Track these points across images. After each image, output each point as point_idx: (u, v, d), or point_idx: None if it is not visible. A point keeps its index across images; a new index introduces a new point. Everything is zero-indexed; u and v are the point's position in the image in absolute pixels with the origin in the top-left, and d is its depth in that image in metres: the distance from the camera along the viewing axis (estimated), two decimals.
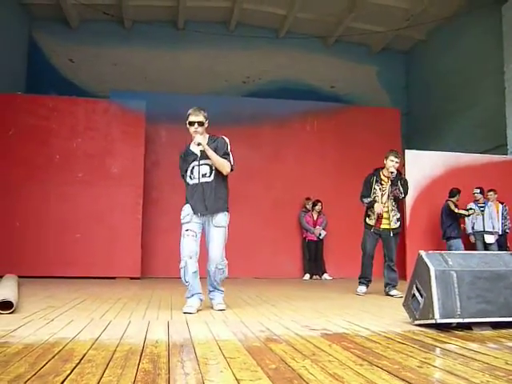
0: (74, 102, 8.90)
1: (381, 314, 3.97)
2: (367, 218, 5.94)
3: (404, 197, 5.97)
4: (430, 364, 2.18)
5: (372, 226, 5.86)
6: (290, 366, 2.08)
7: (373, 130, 9.98)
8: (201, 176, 4.07)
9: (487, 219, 8.08)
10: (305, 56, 12.35)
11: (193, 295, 3.99)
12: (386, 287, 5.84)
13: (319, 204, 9.28)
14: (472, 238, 8.13)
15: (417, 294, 3.26)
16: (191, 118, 4.11)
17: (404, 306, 3.49)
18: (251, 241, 9.24)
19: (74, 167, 8.50)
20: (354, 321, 3.51)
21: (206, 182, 4.06)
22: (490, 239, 8.05)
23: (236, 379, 1.85)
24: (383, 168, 5.94)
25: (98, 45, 11.50)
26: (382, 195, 5.85)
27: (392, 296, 5.63)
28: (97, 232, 8.36)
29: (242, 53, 12.10)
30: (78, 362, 2.12)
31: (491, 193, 8.29)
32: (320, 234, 9.23)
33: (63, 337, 2.70)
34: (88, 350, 2.35)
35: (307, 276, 9.23)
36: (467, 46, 10.76)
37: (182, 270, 3.98)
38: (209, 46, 11.84)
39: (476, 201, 8.22)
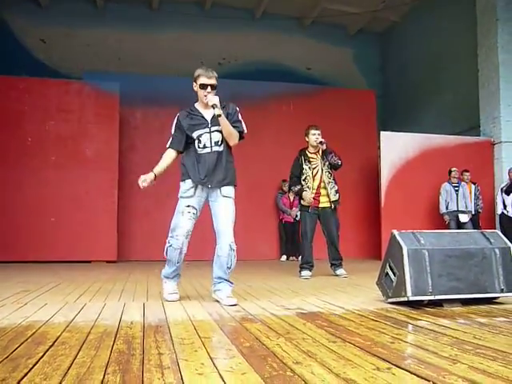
0: (46, 84, 8.72)
1: (355, 293, 4.02)
2: (302, 200, 5.75)
3: (341, 164, 5.69)
4: (401, 340, 2.23)
5: (308, 207, 5.66)
6: (264, 344, 2.10)
7: (348, 112, 10.02)
8: (213, 144, 3.53)
9: (461, 199, 8.23)
10: (281, 37, 12.29)
11: (175, 276, 3.61)
12: (331, 267, 5.80)
13: None
14: (446, 218, 8.26)
15: (390, 273, 3.31)
16: (203, 80, 3.52)
17: (377, 284, 3.55)
18: None
19: (46, 150, 8.36)
20: (328, 300, 3.56)
21: (219, 152, 3.54)
22: (463, 218, 8.21)
23: (210, 357, 1.87)
24: (307, 147, 5.80)
25: (71, 25, 11.22)
26: (315, 173, 5.66)
27: (338, 276, 5.60)
28: (71, 216, 8.26)
29: (218, 34, 11.96)
30: (51, 344, 2.11)
31: (467, 174, 8.46)
32: (296, 216, 9.26)
33: (36, 320, 2.68)
34: (62, 333, 2.34)
35: (284, 257, 9.30)
36: (442, 29, 10.84)
37: (173, 250, 3.51)
38: (184, 27, 11.68)
39: (450, 180, 8.35)
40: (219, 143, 3.54)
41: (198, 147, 3.54)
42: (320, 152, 5.73)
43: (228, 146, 3.60)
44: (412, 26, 11.92)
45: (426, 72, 11.35)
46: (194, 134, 3.55)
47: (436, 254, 3.19)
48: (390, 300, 3.30)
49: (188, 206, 3.50)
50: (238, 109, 3.66)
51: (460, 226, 8.15)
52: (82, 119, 8.60)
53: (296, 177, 5.75)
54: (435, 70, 11.04)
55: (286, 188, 9.48)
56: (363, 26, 12.65)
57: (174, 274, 3.61)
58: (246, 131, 3.64)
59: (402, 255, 3.14)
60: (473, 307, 3.15)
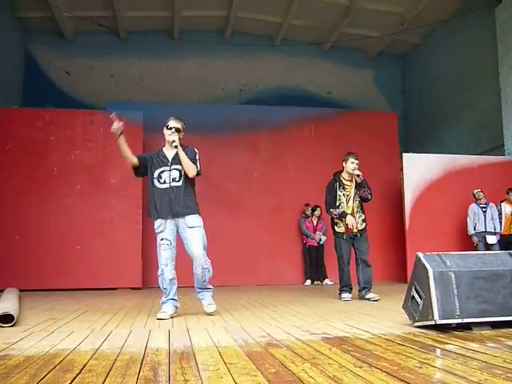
0: (71, 114, 8.92)
1: (381, 317, 3.97)
2: (336, 227, 5.80)
3: (370, 199, 5.79)
4: (429, 364, 2.19)
5: (343, 233, 5.73)
6: (289, 370, 2.09)
7: (370, 134, 9.99)
8: (171, 180, 4.25)
9: (488, 220, 8.08)
10: (301, 62, 12.42)
11: (168, 300, 4.19)
12: (361, 291, 5.66)
13: (318, 209, 9.27)
14: (475, 239, 8.12)
15: (416, 296, 3.27)
16: (170, 124, 4.38)
17: (403, 307, 3.50)
18: (251, 248, 9.25)
19: (72, 179, 8.51)
20: (354, 324, 3.52)
21: (176, 187, 4.24)
22: (491, 240, 8.05)
23: None
24: (342, 171, 5.86)
25: (94, 56, 11.56)
26: (347, 200, 5.74)
27: (369, 299, 5.48)
28: (97, 243, 8.35)
29: (239, 61, 12.16)
30: (78, 372, 2.13)
31: None
32: (320, 240, 9.23)
33: (64, 348, 2.71)
34: (89, 360, 2.36)
35: (308, 282, 9.22)
36: (462, 49, 10.82)
37: (159, 278, 4.20)
38: (205, 55, 11.90)
39: (477, 201, 8.22)
40: (177, 179, 4.25)
41: (159, 182, 4.27)
42: (354, 181, 5.79)
43: (188, 183, 4.28)
44: (432, 47, 11.93)
45: (448, 92, 11.31)
46: (156, 173, 4.30)
47: (463, 276, 3.14)
48: (417, 324, 3.24)
49: (162, 239, 4.21)
50: (196, 151, 4.39)
51: (488, 247, 7.99)
52: (106, 148, 8.74)
53: (333, 203, 5.78)
54: (457, 90, 10.99)
55: (308, 212, 9.45)
56: (383, 48, 12.71)
57: (166, 298, 4.22)
58: (199, 169, 4.31)
59: (428, 278, 3.10)
60: (503, 330, 3.08)
